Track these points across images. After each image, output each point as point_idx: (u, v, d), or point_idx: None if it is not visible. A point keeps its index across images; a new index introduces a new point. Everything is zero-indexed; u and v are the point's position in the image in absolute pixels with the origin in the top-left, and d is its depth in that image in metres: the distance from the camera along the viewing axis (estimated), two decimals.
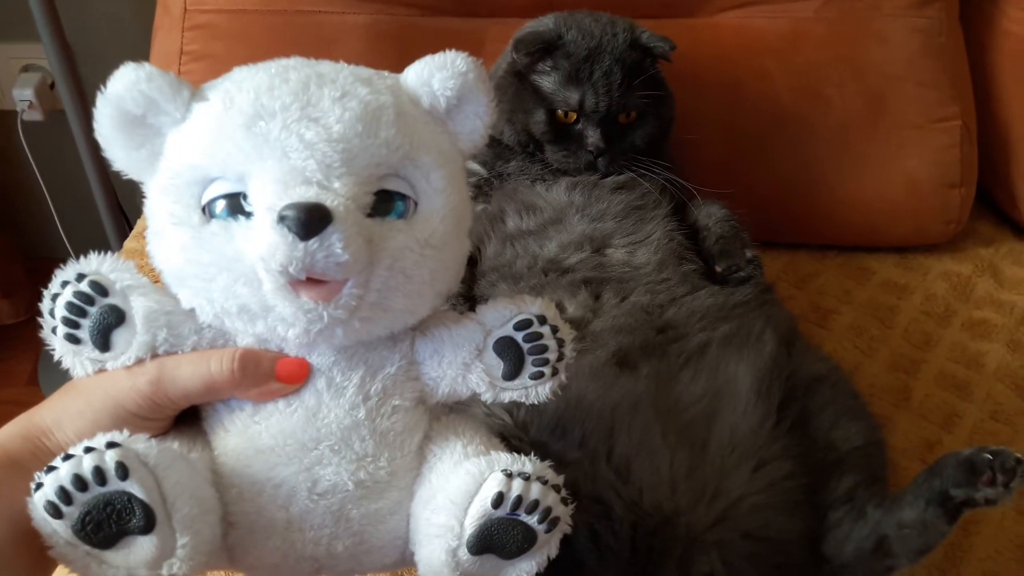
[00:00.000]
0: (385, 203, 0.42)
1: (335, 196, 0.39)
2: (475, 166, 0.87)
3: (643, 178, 0.84)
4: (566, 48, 0.83)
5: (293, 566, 0.44)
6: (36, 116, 1.41)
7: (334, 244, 0.38)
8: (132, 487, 0.38)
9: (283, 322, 0.41)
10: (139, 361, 0.43)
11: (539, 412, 0.64)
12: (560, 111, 0.83)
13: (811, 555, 0.63)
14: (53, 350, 0.44)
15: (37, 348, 1.57)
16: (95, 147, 1.49)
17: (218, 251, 0.41)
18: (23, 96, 1.38)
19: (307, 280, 0.39)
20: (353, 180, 0.41)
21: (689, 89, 0.93)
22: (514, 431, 0.63)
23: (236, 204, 0.41)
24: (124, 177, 0.45)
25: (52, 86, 1.39)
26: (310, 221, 0.38)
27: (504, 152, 0.87)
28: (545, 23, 0.87)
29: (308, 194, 0.39)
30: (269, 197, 0.39)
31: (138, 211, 1.10)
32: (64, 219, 1.51)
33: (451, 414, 0.50)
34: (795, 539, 0.63)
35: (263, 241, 0.39)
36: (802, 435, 0.66)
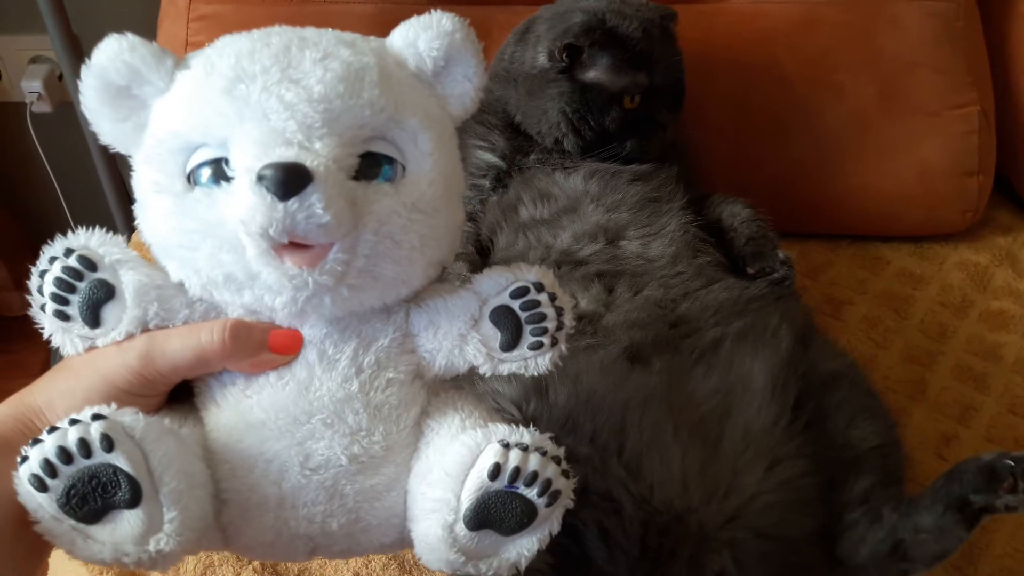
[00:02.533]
0: (372, 167, 0.41)
1: (315, 156, 0.38)
2: (494, 158, 0.86)
3: (662, 166, 0.83)
4: (617, 32, 0.81)
5: (287, 545, 0.43)
6: (45, 108, 1.40)
7: (314, 204, 0.37)
8: (118, 459, 0.37)
9: (269, 290, 0.40)
10: (129, 336, 0.43)
11: (549, 406, 0.63)
12: (628, 97, 0.81)
13: (824, 555, 0.62)
14: (43, 328, 0.43)
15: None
16: None
17: (201, 218, 0.40)
18: (32, 88, 1.38)
19: (291, 244, 0.38)
20: (335, 141, 0.39)
21: (699, 76, 0.91)
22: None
23: (220, 170, 0.40)
24: (112, 151, 0.44)
25: (60, 77, 1.38)
26: (288, 180, 0.37)
27: (524, 144, 0.85)
28: (572, 14, 0.84)
29: (288, 155, 0.38)
30: (248, 159, 0.38)
31: None
32: (74, 210, 1.51)
33: (452, 390, 0.48)
34: (808, 539, 0.62)
35: (242, 203, 0.38)
36: (817, 433, 0.65)
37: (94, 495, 0.37)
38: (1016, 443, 0.80)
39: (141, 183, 0.42)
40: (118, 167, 1.31)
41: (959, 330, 0.92)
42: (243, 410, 0.43)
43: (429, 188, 0.42)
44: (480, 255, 0.81)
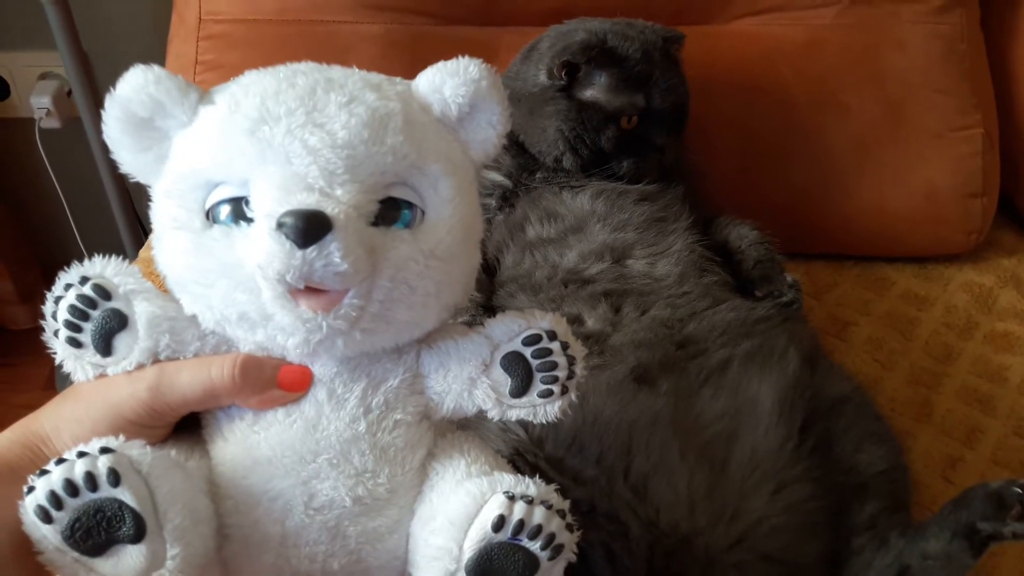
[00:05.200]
0: (392, 211, 0.41)
1: (336, 204, 0.38)
2: (500, 177, 0.86)
3: (668, 187, 0.83)
4: (616, 52, 0.82)
5: None
6: (54, 124, 1.41)
7: (333, 253, 0.37)
8: (123, 494, 0.37)
9: (282, 331, 0.40)
10: (140, 367, 0.43)
11: (555, 427, 0.63)
12: (625, 118, 0.82)
13: None
14: (55, 353, 0.44)
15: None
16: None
17: (218, 257, 0.40)
18: (41, 104, 1.39)
19: (307, 289, 0.39)
20: (357, 188, 0.40)
21: (705, 97, 0.92)
22: (529, 446, 0.63)
23: (239, 209, 0.40)
24: (131, 180, 0.44)
25: (69, 94, 1.39)
26: (308, 229, 0.37)
27: (529, 163, 0.86)
28: (575, 33, 0.85)
29: (309, 201, 0.38)
30: (269, 203, 0.39)
31: None
32: (81, 226, 1.52)
33: (459, 431, 0.48)
34: (814, 563, 0.62)
35: (261, 248, 0.38)
36: (824, 457, 0.66)
37: (98, 529, 0.37)
38: (1022, 466, 0.80)
39: (160, 217, 0.43)
40: (126, 184, 1.32)
41: (964, 352, 0.92)
42: (250, 446, 0.43)
43: (448, 235, 0.43)
44: (486, 273, 0.81)
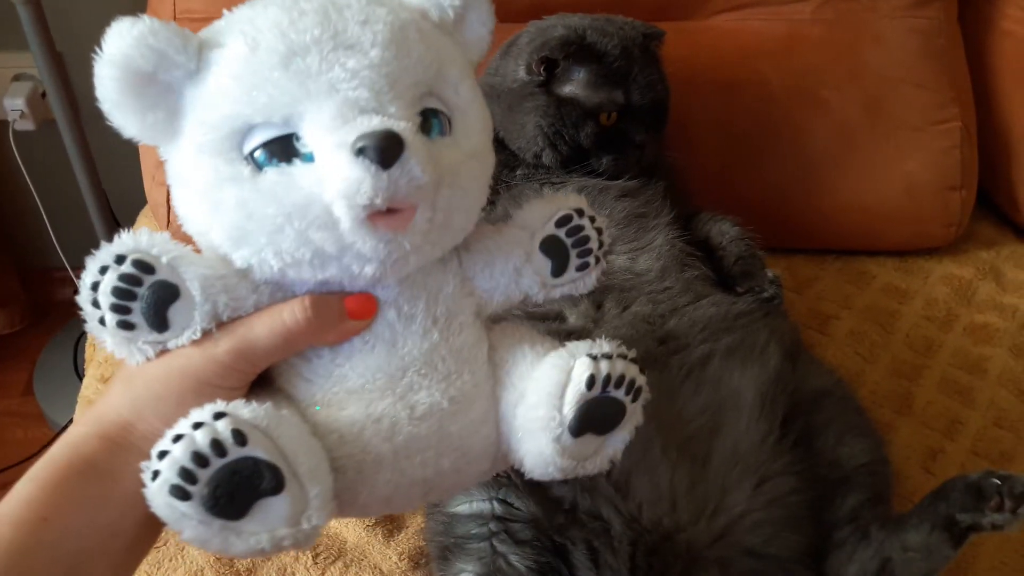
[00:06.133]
0: (425, 122, 0.42)
1: (396, 121, 0.39)
2: None
3: (649, 183, 0.83)
4: (595, 48, 0.82)
5: (406, 493, 0.45)
6: (28, 126, 1.39)
7: (413, 168, 0.38)
8: (254, 451, 0.38)
9: (359, 259, 0.40)
10: (206, 333, 0.42)
11: None
12: (604, 114, 0.82)
13: (813, 573, 0.62)
14: (104, 342, 0.41)
15: (32, 358, 1.56)
16: (88, 156, 1.47)
17: (282, 200, 0.39)
18: (14, 106, 1.37)
19: (384, 211, 0.39)
20: (402, 103, 0.40)
21: (685, 93, 0.92)
22: None
23: (283, 149, 0.39)
24: (138, 143, 0.42)
25: (44, 95, 1.37)
26: (389, 148, 0.37)
27: (510, 160, 0.85)
28: (554, 29, 0.84)
29: (373, 123, 0.38)
30: (336, 134, 0.38)
31: (131, 219, 1.09)
32: (57, 229, 1.50)
33: (499, 324, 0.51)
34: (797, 557, 0.62)
35: (342, 177, 0.38)
36: (806, 451, 0.66)
37: (241, 489, 0.38)
38: (1002, 456, 0.80)
39: (195, 174, 0.41)
40: (102, 185, 1.30)
41: (944, 344, 0.92)
42: (337, 378, 0.44)
43: (479, 135, 0.45)
44: None
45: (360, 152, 0.37)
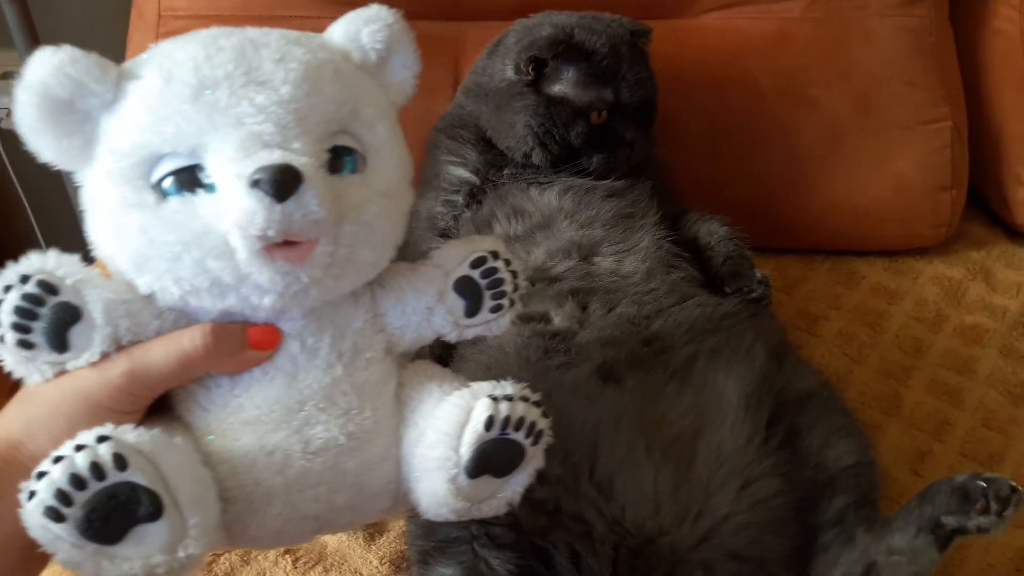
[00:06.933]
0: (336, 160, 0.43)
1: (298, 156, 0.40)
2: (467, 174, 0.85)
3: (636, 183, 0.83)
4: (584, 47, 0.81)
5: (296, 528, 0.45)
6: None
7: (310, 202, 0.39)
8: (134, 476, 0.38)
9: (257, 290, 0.41)
10: (104, 356, 0.42)
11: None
12: (595, 113, 0.81)
13: None
14: (2, 361, 0.42)
15: None
16: None
17: (183, 228, 0.40)
18: (1, 104, 1.36)
19: (283, 243, 0.40)
20: (309, 139, 0.41)
21: (673, 92, 0.91)
22: None
23: (188, 179, 0.41)
24: (53, 169, 0.43)
25: None
26: (285, 182, 0.38)
27: (497, 159, 0.85)
28: (541, 27, 0.84)
29: (273, 157, 0.39)
30: (235, 165, 0.39)
31: None
32: (44, 229, 1.49)
33: (414, 361, 0.52)
34: (782, 560, 0.61)
35: (238, 208, 0.38)
36: (791, 452, 0.65)
37: (116, 515, 0.37)
38: (990, 458, 0.79)
39: (103, 200, 0.42)
40: None
41: (934, 345, 0.92)
42: (234, 409, 0.44)
43: (393, 174, 0.46)
44: None
45: (255, 184, 0.38)
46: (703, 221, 0.85)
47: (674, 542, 0.60)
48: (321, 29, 1.10)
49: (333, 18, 0.99)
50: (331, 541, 0.69)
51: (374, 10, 0.47)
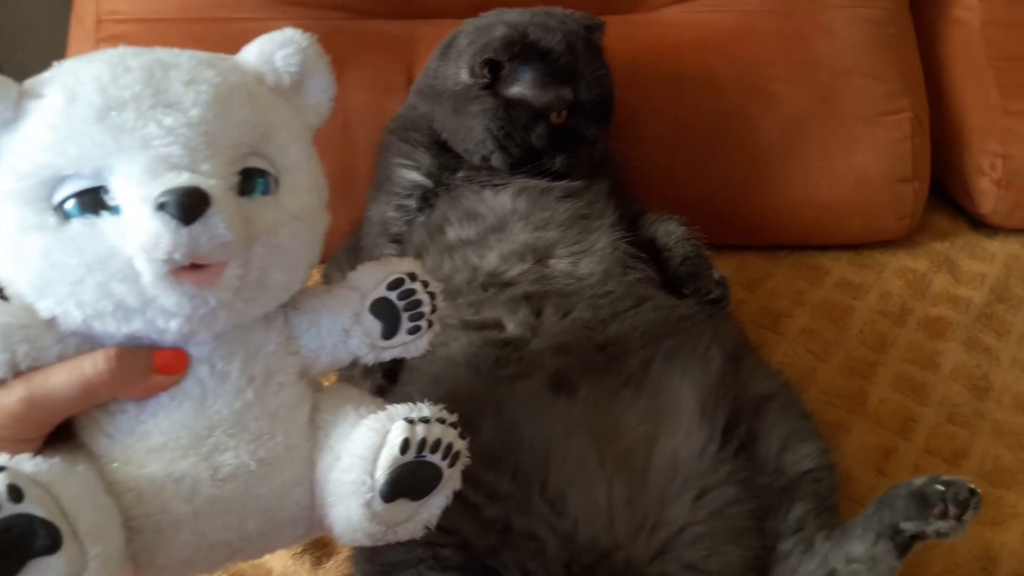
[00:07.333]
0: (248, 181, 0.43)
1: (207, 179, 0.39)
2: (420, 177, 0.83)
3: (593, 182, 0.81)
4: (539, 46, 0.79)
5: (207, 556, 0.45)
6: None
7: (217, 225, 0.38)
8: (30, 508, 0.36)
9: (164, 313, 0.40)
10: (1, 383, 0.41)
11: (471, 440, 0.61)
12: (555, 113, 0.79)
13: None
14: None
15: None
16: None
17: (86, 251, 0.39)
18: None
19: (190, 266, 0.39)
20: (219, 161, 0.41)
21: (631, 88, 0.89)
22: None
23: (92, 201, 0.40)
24: None
25: None
26: (191, 205, 0.38)
27: (450, 161, 0.82)
28: (494, 28, 0.81)
29: (180, 180, 0.39)
30: (140, 187, 0.39)
31: None
32: None
33: (328, 385, 0.52)
34: (741, 570, 0.60)
35: (143, 231, 0.38)
36: (749, 458, 0.63)
37: (12, 548, 0.36)
38: (955, 454, 0.78)
39: (2, 221, 0.40)
40: None
41: (898, 339, 0.91)
42: (140, 435, 0.43)
43: (307, 197, 0.46)
44: None
45: (161, 207, 0.38)
46: (661, 221, 0.83)
47: (629, 556, 0.58)
48: (266, 29, 1.07)
49: (282, 20, 0.98)
50: (276, 565, 0.67)
51: (288, 33, 0.47)
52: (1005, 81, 1.05)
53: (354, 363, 0.59)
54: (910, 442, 0.80)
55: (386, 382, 0.72)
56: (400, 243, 0.81)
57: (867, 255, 1.02)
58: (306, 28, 0.93)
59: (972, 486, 0.55)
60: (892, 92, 1.00)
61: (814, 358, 0.88)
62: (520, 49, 0.78)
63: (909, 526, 0.56)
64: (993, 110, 1.06)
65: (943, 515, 0.55)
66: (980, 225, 1.09)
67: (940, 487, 0.55)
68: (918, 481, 0.56)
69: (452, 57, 0.83)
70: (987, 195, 1.07)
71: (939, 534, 0.55)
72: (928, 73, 1.06)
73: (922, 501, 0.55)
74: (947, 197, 1.12)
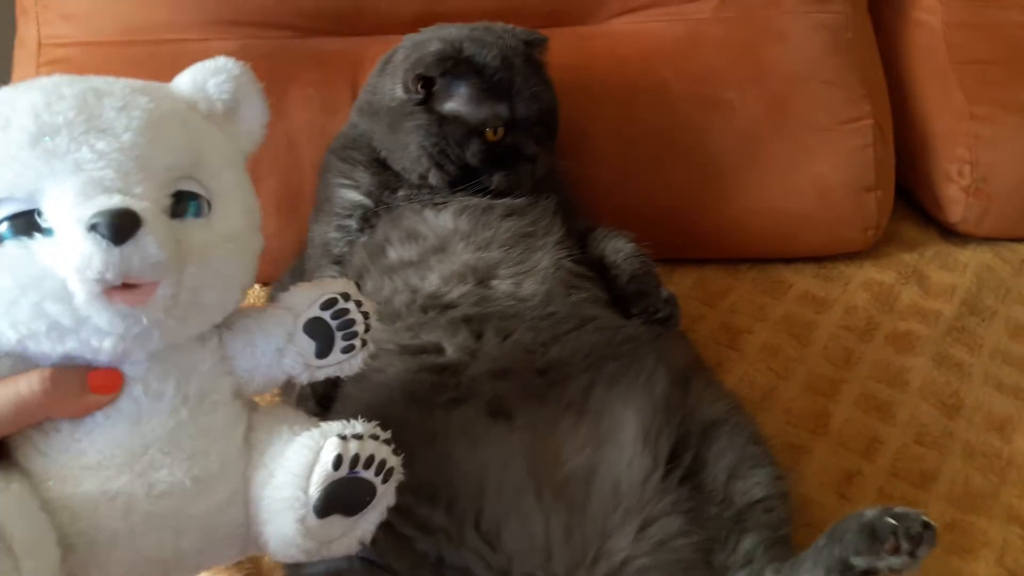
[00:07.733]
0: (180, 204, 0.44)
1: (139, 201, 0.41)
2: (360, 197, 0.80)
3: (538, 200, 0.78)
4: (474, 61, 0.77)
5: (142, 573, 0.45)
6: None
7: (148, 245, 0.40)
8: None
9: (97, 333, 0.41)
10: None
11: (406, 473, 0.58)
12: (490, 129, 0.77)
13: None
14: None
15: None
16: None
17: (18, 272, 0.40)
18: None
19: (122, 286, 0.40)
20: (150, 184, 0.42)
21: (581, 101, 0.87)
22: None
23: (25, 223, 0.41)
24: None
25: None
26: (122, 226, 0.39)
27: (391, 180, 0.80)
28: (429, 43, 0.79)
29: (112, 202, 0.40)
30: (73, 209, 0.40)
31: None
32: None
33: (267, 405, 0.53)
34: None
35: (76, 252, 0.39)
36: (696, 487, 0.61)
37: None
38: (922, 476, 0.75)
39: None
40: None
41: (864, 355, 0.87)
42: (75, 454, 0.43)
43: (239, 219, 0.47)
44: None
45: (93, 228, 0.39)
46: (609, 238, 0.80)
47: None
48: (210, 49, 1.05)
49: (224, 40, 0.95)
50: None
51: (220, 62, 0.49)
52: (969, 84, 1.03)
53: (289, 390, 0.59)
54: (875, 464, 0.76)
55: (320, 410, 0.69)
56: (342, 264, 0.78)
57: (832, 268, 0.99)
58: (248, 48, 0.94)
59: (926, 519, 0.52)
60: (852, 99, 0.97)
61: (775, 376, 0.84)
62: (454, 64, 0.76)
63: (860, 561, 0.53)
64: (959, 114, 1.03)
65: (895, 551, 0.52)
66: (950, 234, 1.06)
67: (892, 520, 0.52)
68: (870, 512, 0.54)
69: (389, 73, 0.81)
70: (956, 203, 1.04)
71: (891, 570, 0.52)
72: (890, 78, 1.04)
73: (873, 535, 0.52)
74: (916, 206, 1.09)
